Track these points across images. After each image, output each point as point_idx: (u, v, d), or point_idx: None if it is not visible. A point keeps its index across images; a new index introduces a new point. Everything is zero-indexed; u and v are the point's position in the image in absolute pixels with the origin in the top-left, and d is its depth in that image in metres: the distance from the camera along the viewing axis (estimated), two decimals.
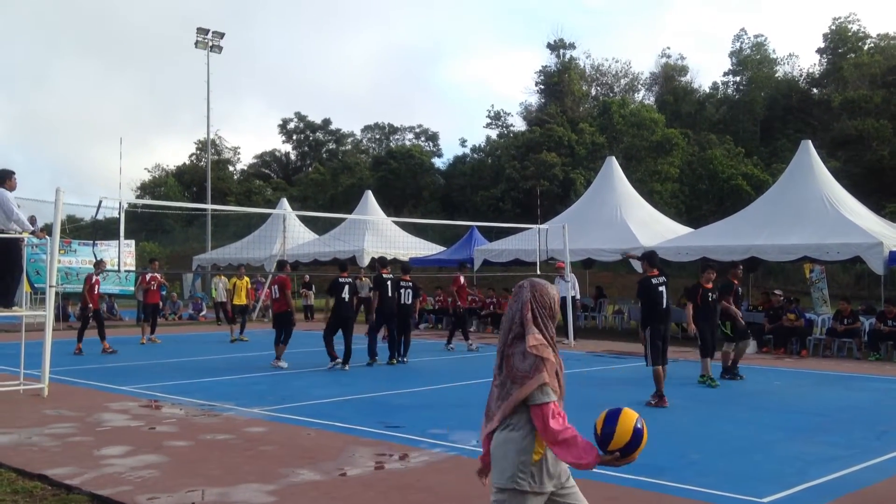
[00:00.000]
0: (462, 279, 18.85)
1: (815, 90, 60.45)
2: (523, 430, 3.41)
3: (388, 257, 18.79)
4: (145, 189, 75.03)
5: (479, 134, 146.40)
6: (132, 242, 28.95)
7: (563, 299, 20.28)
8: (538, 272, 20.80)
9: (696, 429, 9.22)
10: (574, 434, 3.31)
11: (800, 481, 6.65)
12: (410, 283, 16.00)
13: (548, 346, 3.45)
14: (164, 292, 26.44)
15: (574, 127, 56.97)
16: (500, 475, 3.46)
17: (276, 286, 15.06)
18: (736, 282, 13.81)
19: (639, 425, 3.34)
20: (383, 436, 8.51)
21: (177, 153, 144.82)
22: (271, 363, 14.81)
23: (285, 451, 7.77)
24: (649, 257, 11.37)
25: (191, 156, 78.68)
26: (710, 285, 12.71)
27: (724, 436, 8.76)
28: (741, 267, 15.36)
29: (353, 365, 14.46)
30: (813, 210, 19.57)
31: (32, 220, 11.83)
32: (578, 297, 21.14)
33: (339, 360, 14.35)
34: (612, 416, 3.35)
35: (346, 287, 14.68)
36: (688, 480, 6.68)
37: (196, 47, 40.60)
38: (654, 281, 10.80)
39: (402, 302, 15.66)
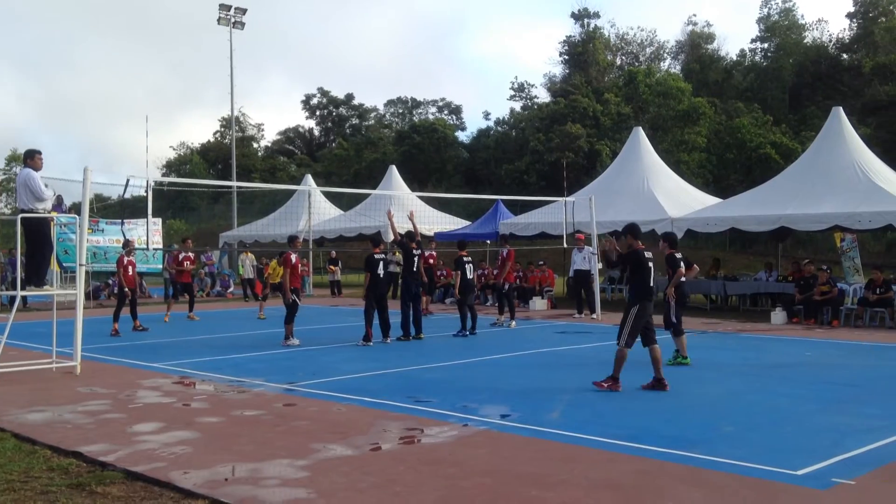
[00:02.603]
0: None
1: (844, 56, 59.33)
2: None
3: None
4: (171, 167, 75.67)
5: (502, 106, 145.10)
6: (159, 220, 29.14)
7: (577, 272, 20.07)
8: (564, 245, 20.66)
9: (727, 401, 9.09)
10: None
11: (835, 453, 6.56)
12: (470, 259, 16.52)
13: None
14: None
15: (599, 97, 56.42)
16: None
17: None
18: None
19: None
20: (413, 410, 8.51)
21: (201, 130, 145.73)
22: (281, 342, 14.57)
23: (316, 427, 7.80)
24: (632, 230, 10.09)
25: (215, 133, 79.28)
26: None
27: (756, 408, 8.64)
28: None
29: (377, 341, 14.46)
30: (844, 178, 19.25)
31: (59, 199, 11.92)
32: (594, 270, 19.70)
33: (371, 343, 14.29)
34: None
35: (381, 262, 14.69)
36: (720, 453, 6.61)
37: (219, 24, 40.63)
38: (646, 254, 9.83)
39: (467, 277, 16.22)
